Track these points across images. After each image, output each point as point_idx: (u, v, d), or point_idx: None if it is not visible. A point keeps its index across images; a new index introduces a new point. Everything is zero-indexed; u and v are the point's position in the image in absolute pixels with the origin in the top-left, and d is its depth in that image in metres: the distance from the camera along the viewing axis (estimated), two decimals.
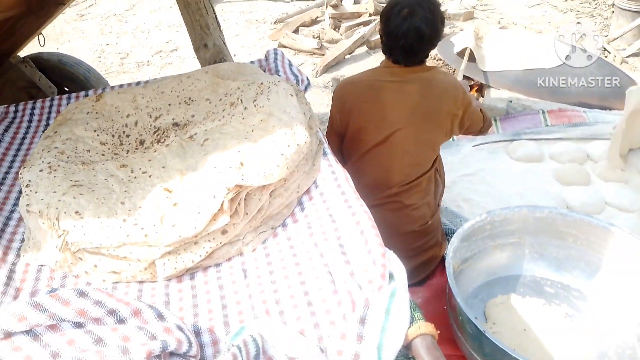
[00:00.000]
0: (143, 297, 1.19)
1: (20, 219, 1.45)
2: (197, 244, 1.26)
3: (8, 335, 0.91)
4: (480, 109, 1.96)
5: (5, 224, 1.42)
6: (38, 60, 2.44)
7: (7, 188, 1.56)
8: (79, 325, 0.95)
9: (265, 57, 2.07)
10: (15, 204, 1.51)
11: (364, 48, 4.14)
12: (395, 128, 1.78)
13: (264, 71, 1.91)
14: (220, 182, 1.27)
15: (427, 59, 1.85)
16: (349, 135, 1.88)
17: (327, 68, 3.82)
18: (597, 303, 1.69)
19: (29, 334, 0.92)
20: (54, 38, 4.38)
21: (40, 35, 2.54)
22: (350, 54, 4.02)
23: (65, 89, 2.59)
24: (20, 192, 1.55)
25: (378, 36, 4.31)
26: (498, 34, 3.26)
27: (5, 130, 1.80)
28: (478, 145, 2.69)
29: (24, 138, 1.79)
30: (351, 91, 1.86)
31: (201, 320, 1.11)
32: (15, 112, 1.92)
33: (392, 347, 0.93)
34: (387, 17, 1.72)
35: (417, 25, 1.66)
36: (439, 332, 0.98)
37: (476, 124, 1.94)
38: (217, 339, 1.06)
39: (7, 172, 1.62)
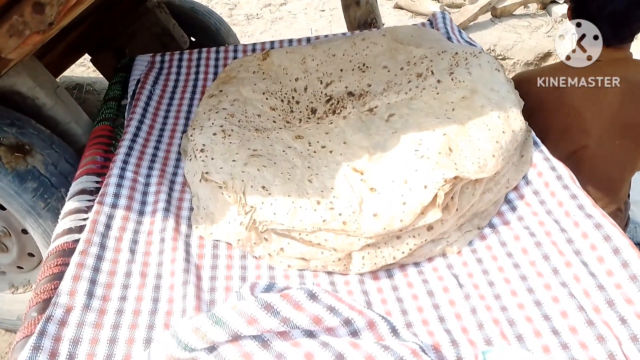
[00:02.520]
0: (339, 293, 1.04)
1: (184, 183, 1.33)
2: (399, 238, 1.09)
3: (236, 338, 0.78)
4: None
5: (171, 189, 1.31)
6: (170, 7, 2.31)
7: (165, 147, 1.45)
8: (310, 334, 0.81)
9: (429, 20, 1.84)
10: (176, 166, 1.39)
11: (489, 16, 3.79)
12: (582, 144, 1.43)
13: None
14: (432, 171, 1.09)
15: (631, 40, 1.44)
16: None
17: None
18: None
19: (256, 339, 0.78)
20: None
21: None
22: (473, 21, 3.69)
23: (192, 39, 2.46)
24: (178, 152, 1.44)
25: (505, 3, 3.94)
26: None
27: (155, 82, 1.68)
28: None
29: (173, 92, 1.67)
30: (529, 92, 1.47)
31: (419, 332, 0.95)
32: (162, 62, 1.80)
33: None
34: None
35: None
36: None
37: None
38: None
39: (162, 130, 1.51)
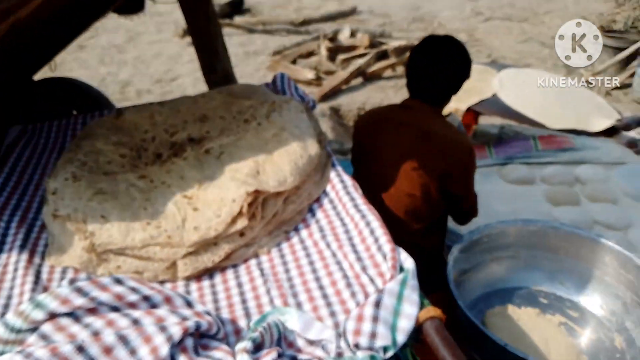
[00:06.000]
0: None
1: (43, 226, 1.52)
2: (216, 244, 1.34)
3: (52, 316, 0.98)
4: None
5: (29, 230, 1.50)
6: (51, 84, 2.55)
7: (28, 198, 1.64)
8: (116, 309, 1.02)
9: (273, 81, 2.20)
10: (37, 212, 1.58)
11: (360, 79, 4.32)
12: (380, 168, 1.75)
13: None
14: (239, 188, 1.37)
15: (444, 103, 1.82)
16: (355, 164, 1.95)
17: (325, 98, 3.99)
18: (589, 312, 1.79)
19: (70, 316, 0.99)
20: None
21: (52, 62, 2.66)
22: (346, 84, 4.19)
23: (74, 112, 2.68)
24: (40, 202, 1.63)
25: (374, 68, 4.51)
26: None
27: (25, 147, 1.88)
28: None
29: (42, 153, 1.88)
30: (362, 120, 1.91)
31: (223, 313, 1.19)
32: (33, 129, 2.01)
33: (405, 328, 1.02)
34: (414, 49, 1.75)
35: (434, 62, 1.68)
36: (445, 316, 1.07)
37: (469, 202, 1.83)
38: (239, 328, 1.13)
39: (27, 184, 1.70)
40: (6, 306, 1.22)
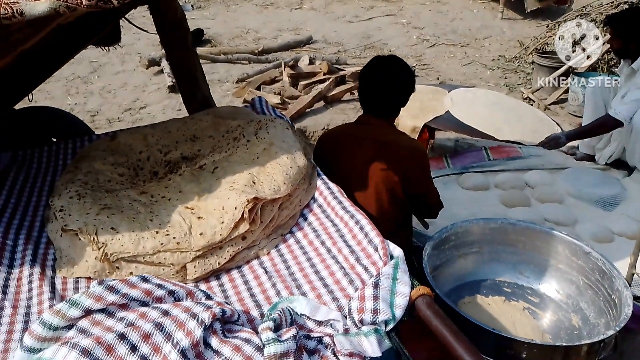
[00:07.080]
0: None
1: (49, 243, 1.61)
2: (221, 248, 1.48)
3: (88, 312, 1.09)
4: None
5: (36, 247, 1.58)
6: (31, 113, 2.61)
7: (30, 218, 1.72)
8: (145, 304, 1.14)
9: (251, 104, 2.37)
10: (41, 230, 1.66)
11: (322, 103, 4.54)
12: (347, 183, 1.87)
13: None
14: (239, 196, 1.51)
15: (394, 115, 2.02)
16: None
17: (291, 120, 4.18)
18: (548, 296, 2.01)
19: (103, 311, 1.10)
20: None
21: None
22: (310, 108, 4.40)
23: (53, 139, 2.75)
24: (42, 221, 1.71)
25: (334, 92, 4.74)
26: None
27: (19, 171, 1.96)
28: (433, 178, 3.05)
29: (36, 177, 1.96)
30: (322, 141, 2.10)
31: (235, 306, 1.32)
32: (24, 155, 2.09)
33: (401, 305, 1.18)
34: (364, 68, 1.98)
35: (382, 79, 1.89)
36: (433, 294, 1.24)
37: (433, 196, 2.07)
38: (252, 318, 1.27)
39: (27, 205, 1.78)
40: (27, 314, 1.31)
